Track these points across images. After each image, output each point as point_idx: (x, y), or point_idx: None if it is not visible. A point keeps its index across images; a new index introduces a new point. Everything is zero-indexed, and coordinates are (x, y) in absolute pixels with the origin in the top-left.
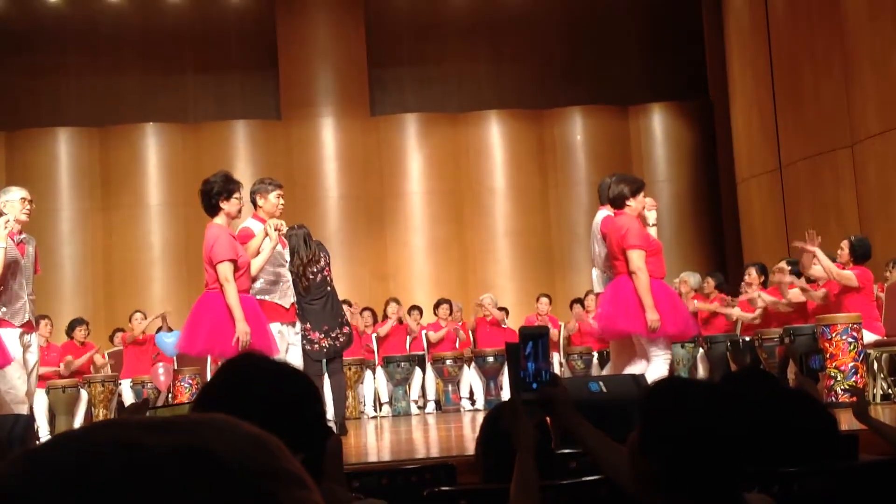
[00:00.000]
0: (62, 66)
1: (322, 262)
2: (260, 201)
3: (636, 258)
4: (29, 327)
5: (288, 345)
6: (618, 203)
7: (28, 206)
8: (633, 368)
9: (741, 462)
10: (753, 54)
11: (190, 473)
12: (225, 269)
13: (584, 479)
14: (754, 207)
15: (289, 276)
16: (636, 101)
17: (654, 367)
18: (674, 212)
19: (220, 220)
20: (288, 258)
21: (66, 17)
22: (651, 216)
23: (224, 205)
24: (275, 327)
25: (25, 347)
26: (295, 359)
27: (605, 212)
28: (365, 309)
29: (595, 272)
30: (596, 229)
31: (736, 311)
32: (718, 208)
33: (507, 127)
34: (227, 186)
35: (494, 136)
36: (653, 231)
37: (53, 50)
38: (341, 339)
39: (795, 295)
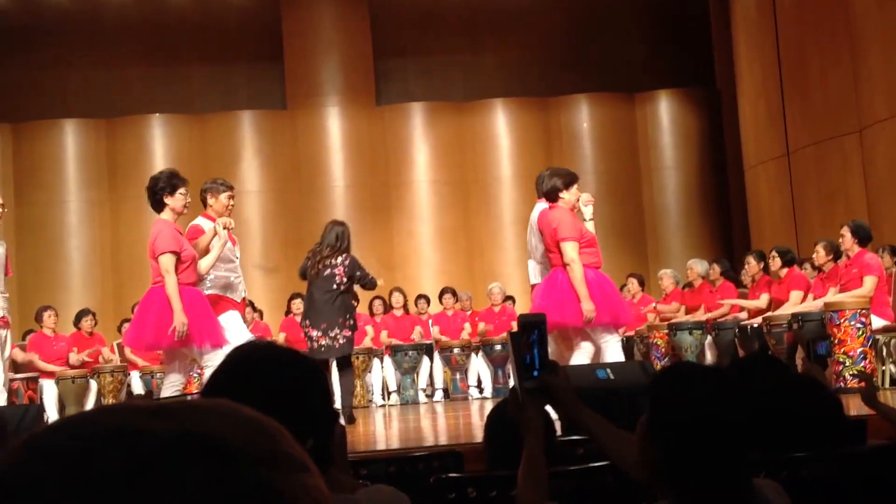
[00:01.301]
0: (67, 59)
1: (338, 260)
2: (210, 200)
3: (570, 249)
4: (4, 322)
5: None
6: (551, 196)
7: None
8: (577, 358)
9: (747, 449)
10: (760, 40)
11: (192, 460)
12: (165, 261)
13: (590, 465)
14: (762, 194)
15: (240, 273)
16: (643, 89)
17: (611, 351)
18: (681, 199)
19: (165, 215)
20: (238, 255)
21: (70, 10)
22: (588, 211)
23: (168, 200)
24: (234, 315)
25: (2, 342)
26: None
27: (542, 205)
28: (375, 297)
29: (531, 264)
30: (533, 222)
31: (749, 303)
32: (726, 195)
33: (513, 115)
34: (172, 182)
35: (500, 124)
36: (590, 226)
37: (58, 43)
38: (340, 342)
39: (795, 296)
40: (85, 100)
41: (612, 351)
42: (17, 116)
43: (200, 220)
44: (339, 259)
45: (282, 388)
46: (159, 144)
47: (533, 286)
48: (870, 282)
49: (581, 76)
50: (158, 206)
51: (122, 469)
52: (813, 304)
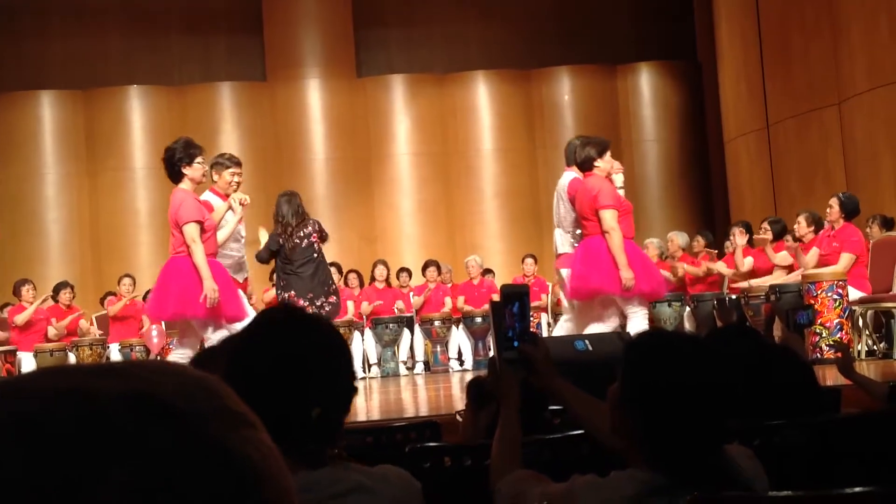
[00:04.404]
0: (45, 29)
1: (310, 229)
2: (215, 176)
3: (609, 218)
4: None
5: None
6: (586, 165)
7: None
8: (595, 328)
9: (722, 415)
10: (741, 13)
11: (140, 418)
12: (191, 230)
13: (566, 434)
14: (742, 166)
15: (243, 253)
16: (624, 61)
17: (635, 323)
18: (662, 171)
19: (184, 185)
20: (244, 234)
21: None
22: (618, 179)
23: (187, 170)
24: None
25: None
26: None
27: (571, 174)
28: (351, 271)
29: (558, 233)
30: (562, 191)
31: (720, 266)
32: (706, 167)
33: (495, 87)
34: (189, 151)
35: (482, 96)
36: (620, 194)
37: (36, 13)
38: (326, 309)
39: (783, 258)
40: (62, 71)
41: (637, 324)
42: None
43: (209, 196)
44: (310, 228)
45: (289, 355)
46: (138, 116)
47: (559, 255)
48: (846, 259)
49: (563, 48)
50: (176, 177)
51: (71, 429)
52: (791, 276)
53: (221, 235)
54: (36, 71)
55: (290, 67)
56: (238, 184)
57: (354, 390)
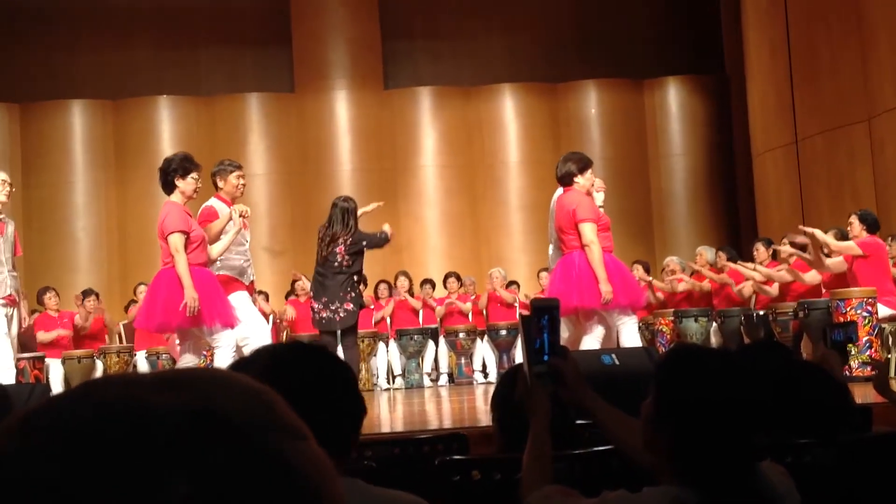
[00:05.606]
0: (76, 39)
1: (340, 240)
2: (220, 183)
3: (588, 231)
4: (10, 301)
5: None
6: (566, 181)
7: (7, 189)
8: (587, 341)
9: (754, 431)
10: (770, 27)
11: (196, 432)
12: (175, 240)
13: (596, 449)
14: (769, 182)
15: (250, 257)
16: (651, 75)
17: (627, 333)
18: (688, 186)
19: (175, 197)
20: (248, 239)
21: None
22: (599, 198)
23: (179, 182)
24: (243, 295)
25: (8, 319)
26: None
27: (562, 190)
28: (381, 282)
29: (552, 248)
30: (554, 207)
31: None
32: (733, 183)
33: (521, 101)
34: (185, 165)
35: (508, 109)
36: (601, 211)
37: (67, 24)
38: (341, 315)
39: (812, 277)
40: (93, 81)
41: (629, 333)
42: (25, 97)
43: (214, 202)
44: (341, 239)
45: (289, 389)
46: (166, 126)
47: (550, 271)
48: (845, 246)
49: (589, 62)
50: (169, 188)
51: (126, 446)
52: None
53: (219, 247)
54: (66, 81)
55: (318, 79)
56: (244, 185)
57: (363, 410)
